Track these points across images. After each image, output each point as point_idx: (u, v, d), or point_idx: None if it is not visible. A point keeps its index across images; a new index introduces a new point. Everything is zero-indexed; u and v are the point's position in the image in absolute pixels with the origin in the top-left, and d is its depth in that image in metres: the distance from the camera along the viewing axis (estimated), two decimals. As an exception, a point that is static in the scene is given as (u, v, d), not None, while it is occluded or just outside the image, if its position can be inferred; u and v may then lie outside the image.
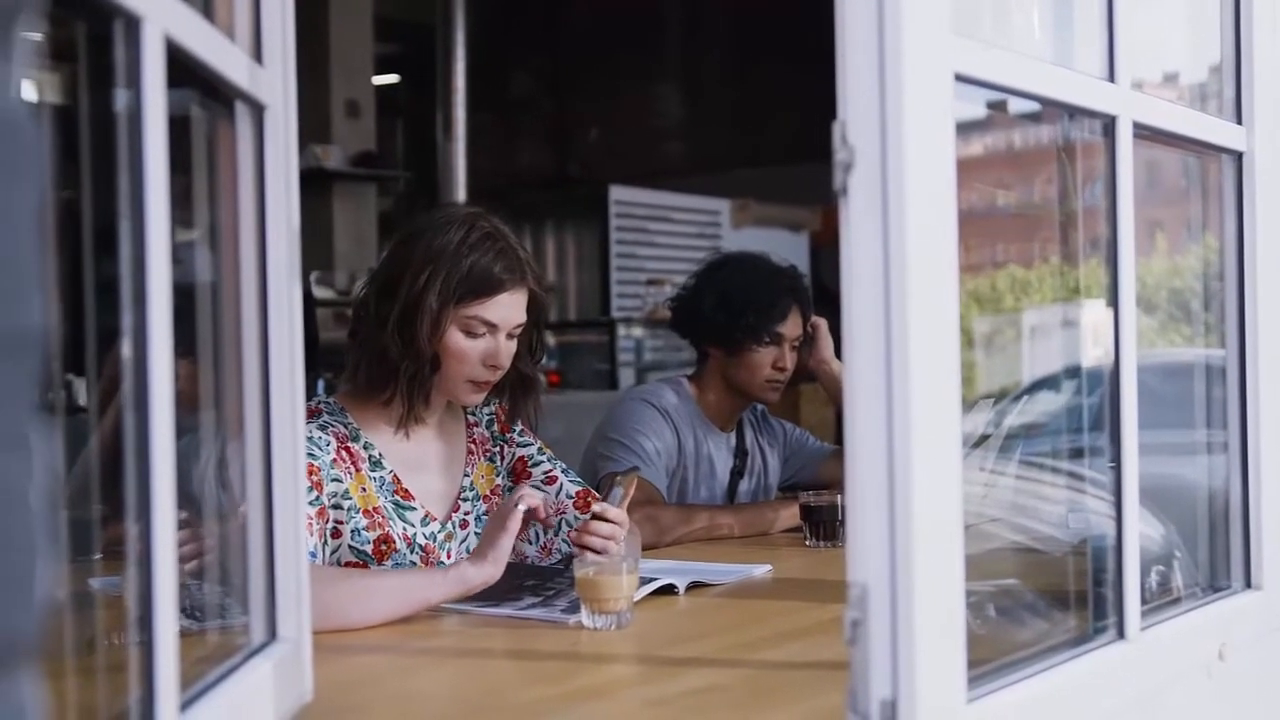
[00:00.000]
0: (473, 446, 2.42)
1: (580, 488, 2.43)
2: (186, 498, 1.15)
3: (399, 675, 1.80)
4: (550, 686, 1.66)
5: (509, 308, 2.26)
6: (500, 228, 2.27)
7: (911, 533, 1.20)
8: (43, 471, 0.65)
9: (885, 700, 1.21)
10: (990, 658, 1.39)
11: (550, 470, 2.44)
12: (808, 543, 2.72)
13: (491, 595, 2.06)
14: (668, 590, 2.16)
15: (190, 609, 1.34)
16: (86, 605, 1.45)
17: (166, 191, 1.06)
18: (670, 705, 1.56)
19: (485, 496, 2.40)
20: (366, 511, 2.23)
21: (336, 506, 2.18)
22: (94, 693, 1.17)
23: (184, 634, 1.11)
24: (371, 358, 2.25)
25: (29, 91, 0.66)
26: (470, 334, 2.24)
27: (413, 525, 2.27)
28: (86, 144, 1.12)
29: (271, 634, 1.41)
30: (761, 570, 2.41)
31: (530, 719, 1.53)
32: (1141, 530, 1.61)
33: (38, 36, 0.68)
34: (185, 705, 1.12)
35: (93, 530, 1.33)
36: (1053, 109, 1.63)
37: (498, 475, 2.44)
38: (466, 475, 2.39)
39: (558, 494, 2.39)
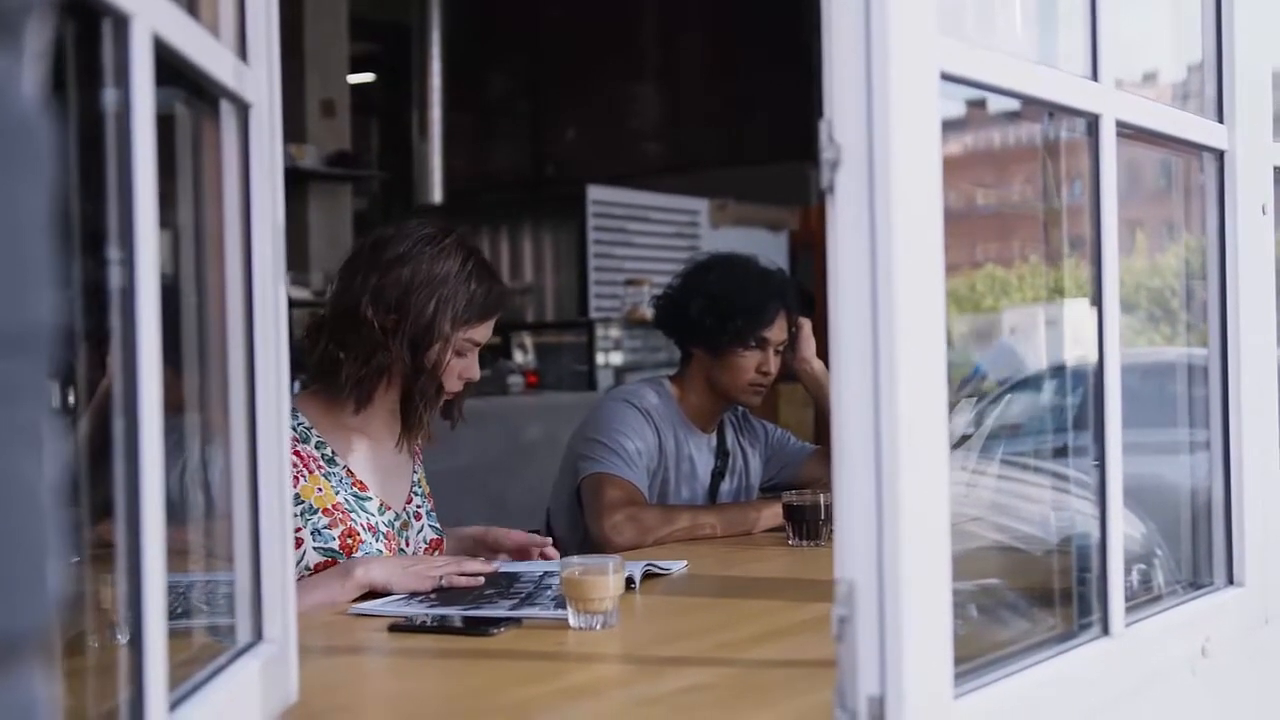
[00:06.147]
0: (417, 449, 2.54)
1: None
2: (169, 500, 1.14)
3: (385, 676, 1.80)
4: (538, 686, 1.65)
5: (492, 327, 2.43)
6: (481, 252, 2.43)
7: (899, 529, 1.20)
8: (54, 468, 0.65)
9: (873, 696, 1.21)
10: (977, 655, 1.40)
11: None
12: (790, 542, 2.73)
13: (468, 601, 2.06)
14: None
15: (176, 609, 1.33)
16: (69, 606, 1.44)
17: (155, 190, 1.05)
18: (660, 704, 1.56)
19: (429, 495, 2.54)
20: (326, 510, 2.30)
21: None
22: (81, 693, 1.16)
23: (170, 634, 1.10)
24: (371, 373, 2.32)
25: (39, 90, 0.66)
26: (459, 354, 2.37)
27: (373, 515, 2.36)
28: (72, 143, 1.11)
29: (257, 635, 1.41)
30: (679, 566, 2.42)
31: (519, 718, 1.53)
32: (1123, 529, 1.62)
33: (47, 34, 0.68)
34: (173, 706, 1.12)
35: (76, 532, 1.32)
36: (1032, 108, 1.64)
37: (426, 483, 2.58)
38: (415, 472, 2.52)
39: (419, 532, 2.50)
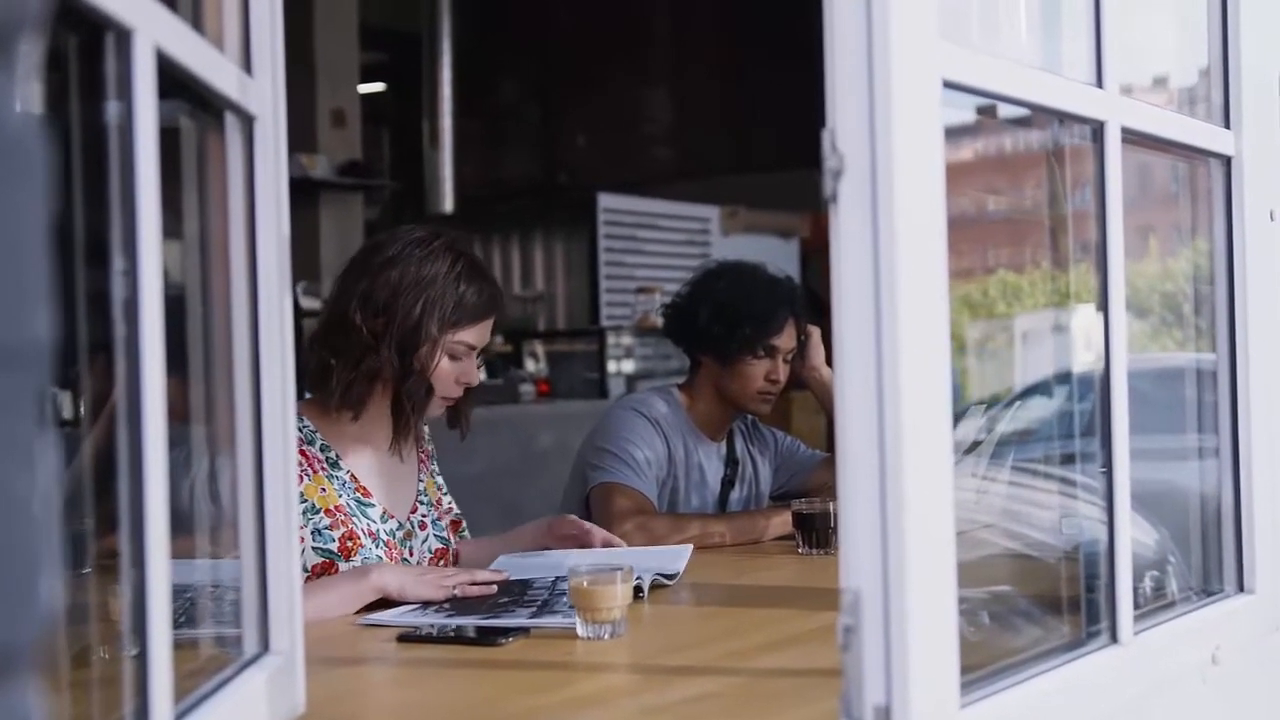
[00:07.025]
0: (423, 457, 2.54)
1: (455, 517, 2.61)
2: (176, 512, 1.14)
3: (392, 686, 1.80)
4: (545, 696, 1.65)
5: (488, 331, 2.42)
6: (477, 256, 2.43)
7: (904, 538, 1.20)
8: (46, 482, 0.66)
9: (879, 706, 1.21)
10: (984, 663, 1.39)
11: (448, 499, 2.61)
12: (800, 550, 2.72)
13: (483, 611, 2.06)
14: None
15: (182, 619, 1.34)
16: (78, 618, 1.44)
17: (158, 203, 1.06)
18: (667, 713, 1.55)
19: (435, 504, 2.53)
20: (328, 511, 2.31)
21: None
22: (88, 705, 1.17)
23: (177, 645, 1.11)
24: (360, 377, 2.33)
25: (33, 105, 0.66)
26: (452, 357, 2.37)
27: (374, 521, 2.36)
28: (76, 155, 1.11)
29: (264, 646, 1.41)
30: (685, 552, 2.46)
31: (524, 728, 1.53)
32: (1135, 536, 1.62)
33: (40, 50, 0.68)
34: (179, 717, 1.12)
35: (84, 543, 1.33)
36: (1042, 114, 1.63)
37: (438, 489, 2.57)
38: (420, 481, 2.51)
39: (424, 542, 2.50)
